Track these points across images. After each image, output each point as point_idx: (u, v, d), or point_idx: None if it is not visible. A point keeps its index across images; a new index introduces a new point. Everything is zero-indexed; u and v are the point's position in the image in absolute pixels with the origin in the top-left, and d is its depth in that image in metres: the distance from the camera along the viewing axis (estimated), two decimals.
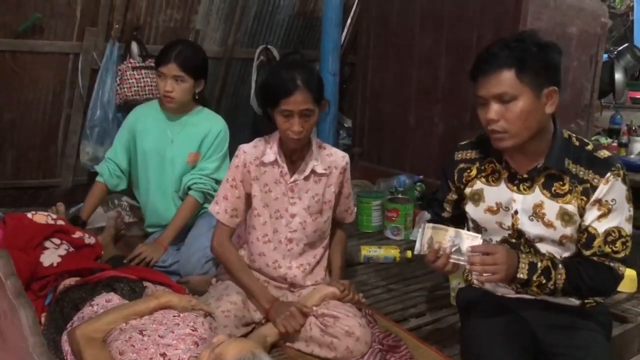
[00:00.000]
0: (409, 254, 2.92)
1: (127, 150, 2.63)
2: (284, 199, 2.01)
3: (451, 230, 1.58)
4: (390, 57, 4.11)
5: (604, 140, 4.36)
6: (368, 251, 2.91)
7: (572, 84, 3.48)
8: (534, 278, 1.54)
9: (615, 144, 4.19)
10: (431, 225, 1.60)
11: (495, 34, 3.21)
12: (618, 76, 4.70)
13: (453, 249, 1.55)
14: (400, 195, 3.44)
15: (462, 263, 1.56)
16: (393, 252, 2.91)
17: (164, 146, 2.56)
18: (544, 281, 1.54)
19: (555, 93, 1.52)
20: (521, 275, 1.53)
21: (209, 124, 2.57)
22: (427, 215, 2.31)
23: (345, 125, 4.90)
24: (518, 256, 1.55)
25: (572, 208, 1.56)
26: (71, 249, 2.10)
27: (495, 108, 1.50)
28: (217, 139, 2.56)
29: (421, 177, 3.74)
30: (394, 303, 2.42)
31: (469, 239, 1.56)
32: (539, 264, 1.54)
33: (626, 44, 5.21)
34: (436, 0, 3.70)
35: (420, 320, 2.27)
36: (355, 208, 2.49)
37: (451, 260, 1.55)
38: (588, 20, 3.48)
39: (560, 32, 3.30)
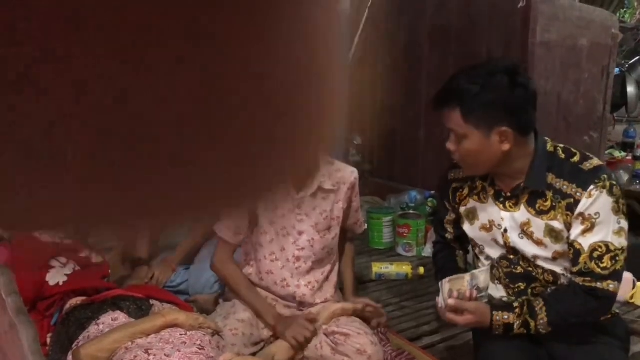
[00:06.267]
0: (421, 270, 2.87)
1: None
2: (291, 216, 1.97)
3: (467, 275, 1.60)
4: (399, 73, 4.09)
5: (617, 153, 4.30)
6: (379, 268, 2.86)
7: (584, 96, 3.43)
8: (514, 333, 1.54)
9: (629, 158, 4.13)
10: (447, 279, 1.60)
11: (504, 48, 3.19)
12: (630, 89, 4.67)
13: (475, 291, 1.59)
14: (411, 211, 3.40)
15: (484, 300, 1.62)
16: (405, 269, 2.86)
17: None
18: (524, 331, 1.53)
19: (508, 133, 1.44)
20: (497, 333, 1.55)
21: None
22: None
23: (355, 142, 4.87)
24: (492, 317, 1.54)
25: (558, 224, 1.50)
26: (77, 268, 2.07)
27: (453, 139, 1.52)
28: None
29: (432, 192, 3.69)
30: (406, 321, 2.37)
31: (482, 274, 1.62)
32: (515, 324, 1.53)
33: (638, 57, 5.17)
34: (444, 15, 3.69)
35: (434, 338, 2.22)
36: (366, 224, 2.45)
37: (479, 301, 1.59)
38: (598, 32, 3.45)
39: (570, 44, 3.27)
